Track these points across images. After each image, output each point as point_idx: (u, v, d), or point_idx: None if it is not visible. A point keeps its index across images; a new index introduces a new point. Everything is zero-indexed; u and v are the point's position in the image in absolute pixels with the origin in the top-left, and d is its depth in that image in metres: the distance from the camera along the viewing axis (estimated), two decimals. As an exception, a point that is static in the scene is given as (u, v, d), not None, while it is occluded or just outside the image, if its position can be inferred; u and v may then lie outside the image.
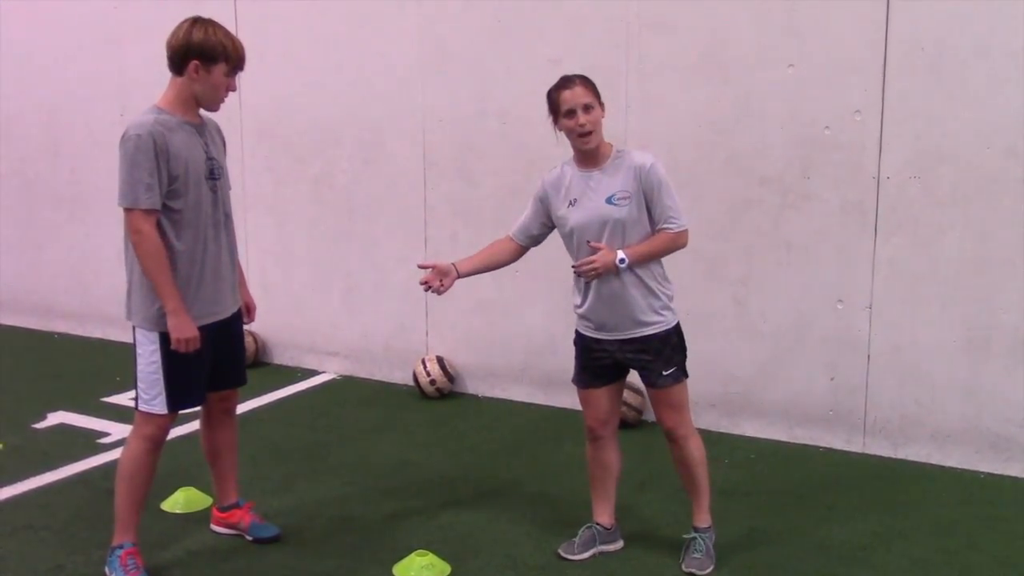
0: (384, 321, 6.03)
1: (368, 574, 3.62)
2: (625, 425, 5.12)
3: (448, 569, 3.63)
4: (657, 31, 4.96)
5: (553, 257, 5.41)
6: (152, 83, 6.50)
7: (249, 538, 3.88)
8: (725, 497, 4.29)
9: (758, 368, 4.98)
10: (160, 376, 3.45)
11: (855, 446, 4.80)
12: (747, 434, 5.03)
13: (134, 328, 3.52)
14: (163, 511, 4.17)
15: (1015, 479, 4.46)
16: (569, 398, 5.48)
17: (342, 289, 6.14)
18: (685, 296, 5.08)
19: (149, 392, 3.48)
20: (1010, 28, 4.24)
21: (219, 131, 3.73)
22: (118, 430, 5.19)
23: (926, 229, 4.52)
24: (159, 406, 3.47)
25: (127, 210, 3.32)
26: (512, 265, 5.50)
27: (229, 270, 3.63)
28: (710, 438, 4.97)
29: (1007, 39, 4.26)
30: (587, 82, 3.46)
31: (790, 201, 4.79)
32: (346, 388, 6.00)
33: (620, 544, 3.81)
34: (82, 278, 7.20)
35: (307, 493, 4.38)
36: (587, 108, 3.38)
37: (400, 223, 5.86)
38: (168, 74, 3.50)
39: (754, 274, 4.91)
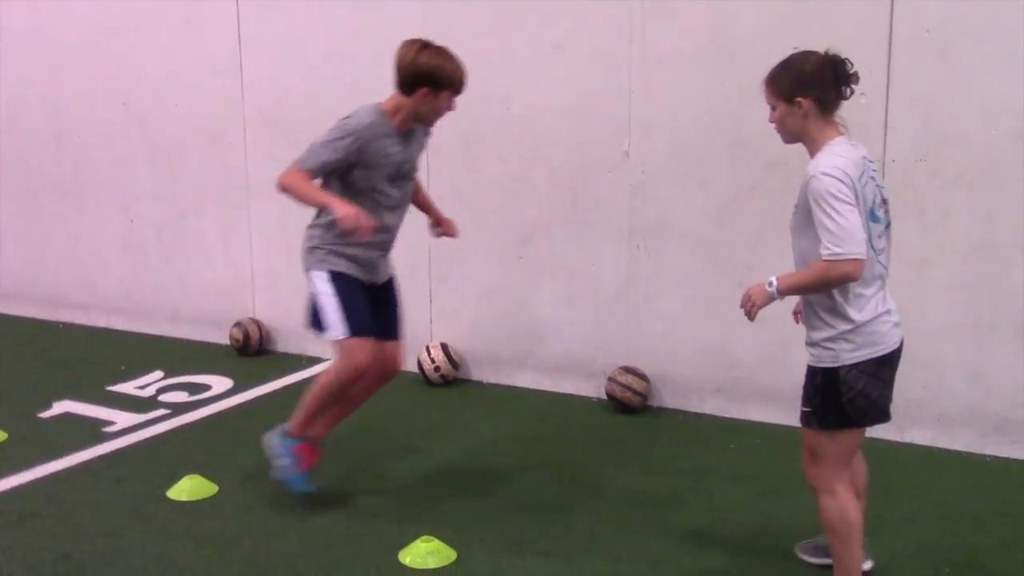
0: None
1: (374, 561, 3.62)
2: (629, 410, 5.14)
3: (454, 555, 3.63)
4: (660, 15, 4.93)
5: (558, 242, 5.42)
6: (155, 73, 6.56)
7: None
8: (731, 483, 4.30)
9: (763, 353, 4.97)
10: (337, 304, 3.77)
11: (861, 430, 4.79)
12: (753, 419, 5.02)
13: (309, 273, 3.86)
14: (169, 499, 4.17)
15: (1022, 462, 4.44)
16: (573, 384, 5.48)
17: (346, 277, 6.13)
18: (690, 282, 5.09)
19: (331, 320, 3.78)
20: (1016, 9, 4.21)
21: (426, 133, 4.07)
22: (123, 419, 5.19)
23: (932, 212, 4.50)
24: (342, 331, 3.77)
25: (296, 162, 3.71)
26: (516, 250, 5.54)
27: (385, 257, 4.04)
28: (716, 423, 5.02)
29: (1013, 20, 4.22)
30: (769, 81, 3.08)
31: (796, 185, 4.70)
32: (351, 376, 5.99)
33: (868, 564, 3.39)
34: (86, 268, 7.20)
35: (313, 479, 4.37)
36: (772, 108, 3.11)
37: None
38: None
39: (759, 259, 4.89)
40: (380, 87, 5.83)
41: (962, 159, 4.40)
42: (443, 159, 5.66)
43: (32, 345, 6.83)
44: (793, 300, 3.29)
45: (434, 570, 3.54)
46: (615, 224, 5.22)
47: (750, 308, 3.09)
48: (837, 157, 2.93)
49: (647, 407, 5.20)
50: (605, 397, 5.26)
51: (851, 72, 3.01)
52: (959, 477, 4.32)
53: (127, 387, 5.76)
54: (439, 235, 4.30)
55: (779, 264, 4.80)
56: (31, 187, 7.35)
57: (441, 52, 3.69)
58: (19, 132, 7.31)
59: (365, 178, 3.75)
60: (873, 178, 3.03)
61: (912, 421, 4.67)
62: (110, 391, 5.70)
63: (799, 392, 4.92)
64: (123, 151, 6.84)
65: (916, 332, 4.58)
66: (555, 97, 5.28)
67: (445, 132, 5.61)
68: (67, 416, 5.30)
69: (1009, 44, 4.24)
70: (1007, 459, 4.47)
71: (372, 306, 3.92)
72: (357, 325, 3.78)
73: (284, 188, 3.72)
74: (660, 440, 4.84)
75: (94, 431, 5.03)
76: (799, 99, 2.98)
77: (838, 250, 2.83)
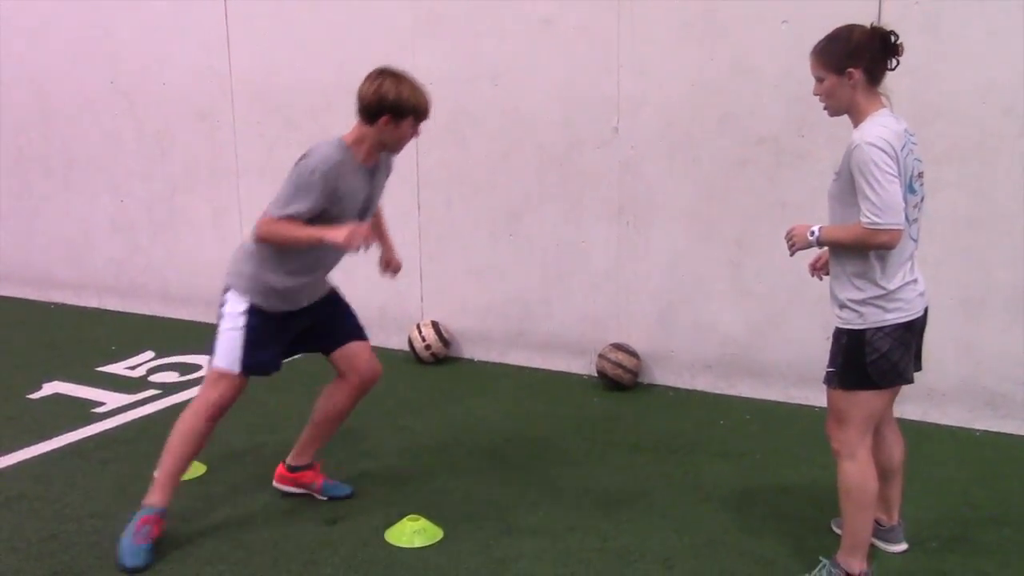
0: (379, 287, 5.91)
1: (361, 540, 3.61)
2: (620, 387, 5.13)
3: (440, 534, 3.62)
4: (649, -11, 4.89)
5: (548, 219, 5.39)
6: (142, 51, 6.50)
7: (323, 498, 3.96)
8: (719, 459, 4.30)
9: (753, 329, 4.95)
10: (240, 337, 3.51)
11: (851, 406, 4.78)
12: (743, 395, 5.02)
13: (227, 293, 3.58)
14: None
15: (1011, 436, 4.44)
16: (564, 362, 5.47)
17: (336, 255, 6.10)
18: (680, 258, 5.07)
19: (224, 349, 3.54)
20: (1007, -20, 4.18)
21: (390, 165, 3.81)
22: (113, 399, 5.18)
23: (922, 187, 4.46)
24: (232, 365, 3.53)
25: (268, 214, 3.42)
26: (506, 228, 5.51)
27: (323, 283, 3.78)
28: (706, 399, 5.01)
29: (1004, -8, 4.19)
30: (818, 53, 3.05)
31: (785, 160, 4.73)
32: (342, 354, 5.97)
33: (903, 547, 3.44)
34: (77, 247, 7.18)
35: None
36: (819, 80, 3.07)
37: (393, 188, 5.71)
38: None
39: (749, 234, 4.87)
40: (368, 65, 5.77)
41: (951, 133, 4.37)
42: (432, 136, 5.60)
43: (23, 326, 6.81)
44: (807, 255, 3.33)
45: (420, 549, 3.54)
46: (605, 201, 5.20)
47: (790, 246, 3.16)
48: (882, 128, 2.94)
49: (638, 384, 5.19)
50: (596, 374, 5.24)
51: (897, 43, 3.02)
52: (948, 452, 4.32)
53: (118, 367, 5.75)
54: (385, 273, 3.96)
55: (769, 240, 4.82)
56: (20, 166, 7.32)
57: (402, 80, 3.50)
58: (7, 111, 7.27)
59: (335, 217, 3.45)
60: (912, 151, 3.04)
61: (902, 396, 4.54)
62: (100, 372, 5.68)
63: (789, 369, 4.94)
64: (111, 130, 6.80)
65: (906, 307, 4.57)
66: (544, 73, 5.24)
67: (434, 109, 5.58)
68: (57, 397, 5.29)
69: (998, 17, 4.20)
70: (997, 433, 4.47)
71: (310, 325, 3.73)
72: (248, 367, 3.55)
73: (266, 236, 3.44)
74: (650, 417, 4.83)
75: (83, 412, 5.01)
76: (850, 70, 2.99)
77: (878, 220, 2.87)
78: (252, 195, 6.32)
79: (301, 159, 3.45)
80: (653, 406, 4.97)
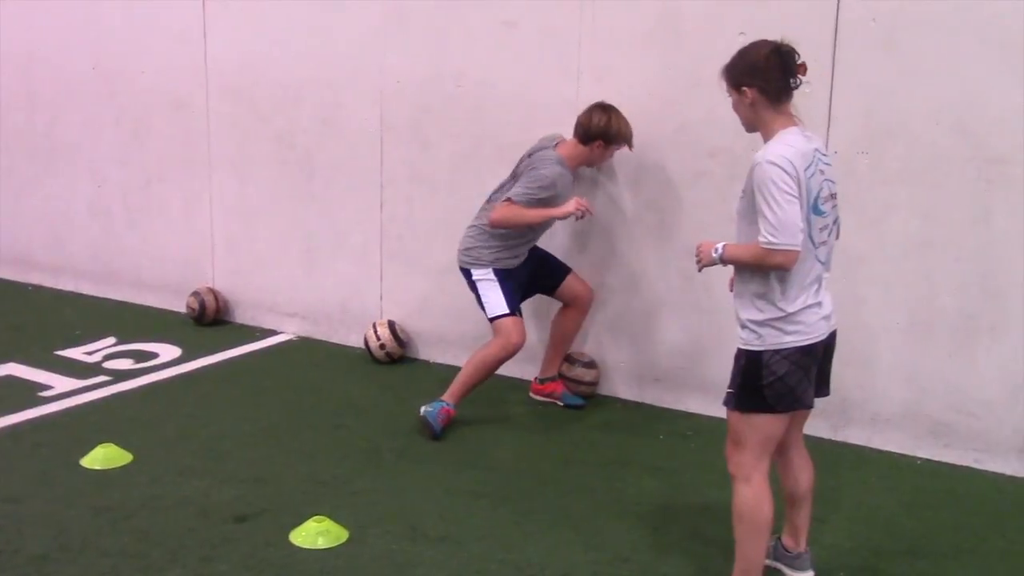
0: (340, 283, 5.97)
1: (264, 539, 3.57)
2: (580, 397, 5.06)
3: (345, 536, 3.58)
4: (610, -6, 4.83)
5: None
6: (123, 37, 6.52)
7: (561, 404, 5.00)
8: (649, 474, 4.23)
9: (701, 343, 4.88)
10: (498, 288, 4.59)
11: (796, 427, 4.69)
12: (689, 410, 4.94)
13: (468, 271, 4.65)
14: (81, 466, 4.16)
15: (952, 466, 4.33)
16: (518, 368, 5.41)
17: (302, 250, 6.09)
18: (631, 268, 5.01)
19: (492, 302, 4.60)
20: (963, 1, 4.07)
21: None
22: (62, 384, 5.20)
23: (872, 207, 4.37)
24: (500, 308, 4.57)
25: (510, 200, 4.49)
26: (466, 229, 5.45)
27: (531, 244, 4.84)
28: (651, 413, 4.96)
29: (960, 13, 4.08)
30: (723, 70, 3.06)
31: (738, 173, 4.56)
32: (300, 349, 5.96)
33: (809, 574, 3.32)
34: (57, 231, 7.21)
35: (230, 453, 4.35)
36: (729, 96, 3.08)
37: (357, 185, 5.78)
38: None
39: (701, 248, 4.79)
40: (338, 62, 5.78)
41: (904, 153, 4.28)
42: (396, 134, 5.60)
43: (-4, 307, 6.87)
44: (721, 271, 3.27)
45: (322, 550, 3.50)
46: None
47: (697, 262, 3.15)
48: (786, 147, 2.89)
49: (594, 394, 5.12)
50: (546, 381, 5.18)
51: (799, 63, 2.97)
52: (884, 479, 4.22)
53: (75, 352, 5.76)
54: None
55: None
56: (3, 148, 7.36)
57: (616, 115, 4.59)
58: (-6, 93, 7.33)
59: (550, 205, 4.52)
60: (823, 171, 2.98)
61: (846, 420, 4.57)
62: (57, 355, 5.70)
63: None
64: (93, 115, 6.82)
65: (852, 330, 4.47)
66: (505, 75, 5.19)
67: (398, 108, 5.57)
68: (8, 379, 5.30)
69: (954, 37, 4.11)
70: (938, 463, 4.37)
71: (529, 277, 4.79)
72: (512, 305, 4.58)
73: (503, 220, 4.48)
74: (591, 428, 4.76)
75: (30, 395, 5.02)
76: (744, 88, 2.98)
77: (773, 240, 2.83)
78: (223, 187, 6.32)
79: (533, 169, 4.54)
80: (597, 417, 4.91)
